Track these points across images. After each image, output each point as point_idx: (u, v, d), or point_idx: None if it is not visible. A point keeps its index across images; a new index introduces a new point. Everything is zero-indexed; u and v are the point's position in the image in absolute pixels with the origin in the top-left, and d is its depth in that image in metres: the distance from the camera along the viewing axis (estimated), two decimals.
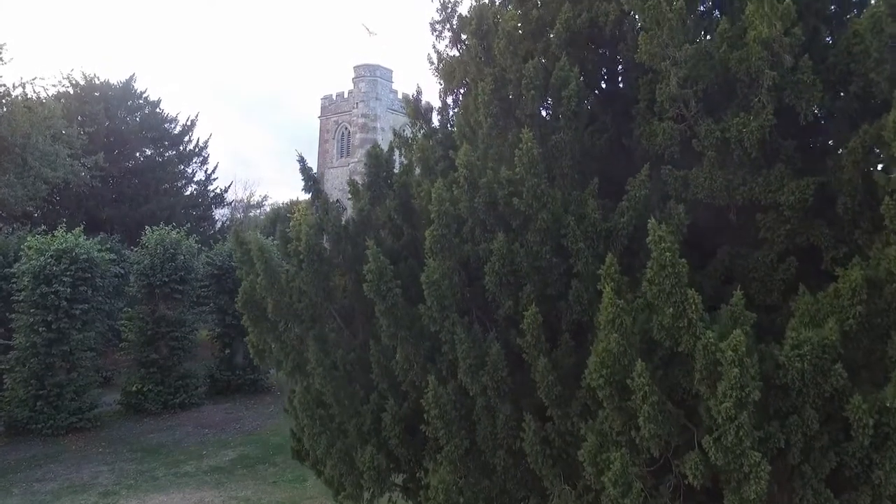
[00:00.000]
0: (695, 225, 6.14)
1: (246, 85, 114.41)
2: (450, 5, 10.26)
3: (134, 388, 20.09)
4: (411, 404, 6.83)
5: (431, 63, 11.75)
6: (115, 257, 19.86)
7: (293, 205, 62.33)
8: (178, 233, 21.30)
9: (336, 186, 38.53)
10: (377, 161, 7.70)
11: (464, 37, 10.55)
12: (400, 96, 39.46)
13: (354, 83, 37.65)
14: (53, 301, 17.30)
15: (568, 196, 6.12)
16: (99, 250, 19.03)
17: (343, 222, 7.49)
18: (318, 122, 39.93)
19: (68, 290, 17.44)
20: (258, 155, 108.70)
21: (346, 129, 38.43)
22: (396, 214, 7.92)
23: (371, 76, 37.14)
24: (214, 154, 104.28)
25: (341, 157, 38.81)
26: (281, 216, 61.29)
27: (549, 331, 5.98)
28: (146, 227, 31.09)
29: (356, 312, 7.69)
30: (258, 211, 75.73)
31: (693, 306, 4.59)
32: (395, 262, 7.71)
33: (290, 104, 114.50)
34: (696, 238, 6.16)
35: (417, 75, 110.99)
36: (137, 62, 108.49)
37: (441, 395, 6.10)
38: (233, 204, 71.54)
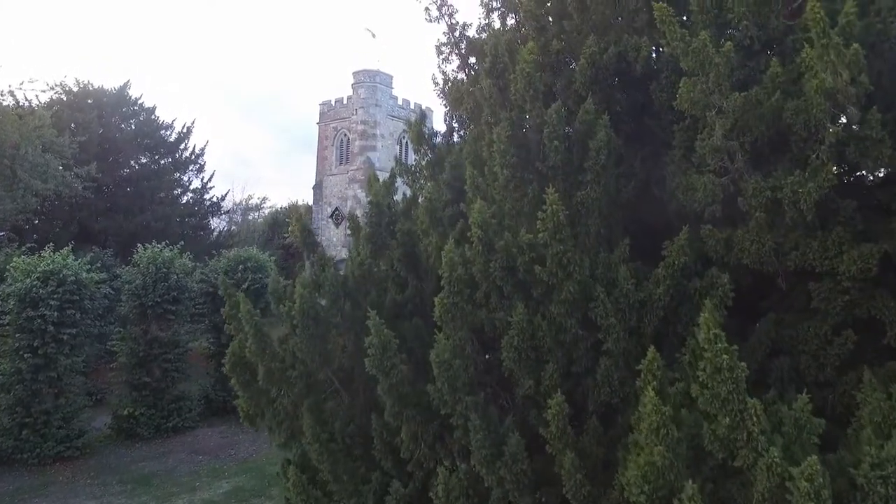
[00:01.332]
0: (736, 287, 5.45)
1: (246, 85, 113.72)
2: (457, 28, 9.58)
3: (125, 412, 19.36)
4: (418, 485, 6.13)
5: (436, 84, 11.07)
6: (106, 277, 19.07)
7: (292, 208, 61.72)
8: (171, 250, 20.56)
9: (335, 194, 37.82)
10: (378, 210, 6.97)
11: (472, 60, 9.87)
12: (400, 102, 38.78)
13: (354, 89, 36.90)
14: (40, 325, 16.56)
15: (595, 259, 5.41)
16: (88, 270, 18.29)
17: (341, 273, 6.76)
18: (317, 124, 39.24)
19: (55, 313, 16.70)
20: (258, 155, 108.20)
21: (346, 135, 37.70)
22: (400, 265, 7.22)
23: (371, 82, 36.38)
24: (213, 155, 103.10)
25: (340, 164, 38.06)
26: (279, 220, 60.72)
27: (573, 408, 5.28)
28: (140, 241, 30.66)
29: (356, 374, 6.97)
30: (257, 214, 75.12)
31: (754, 418, 3.89)
32: (398, 318, 7.01)
33: (291, 104, 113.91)
34: (736, 302, 5.47)
35: (417, 78, 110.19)
36: (136, 63, 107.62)
37: (452, 486, 5.39)
38: (230, 212, 70.97)
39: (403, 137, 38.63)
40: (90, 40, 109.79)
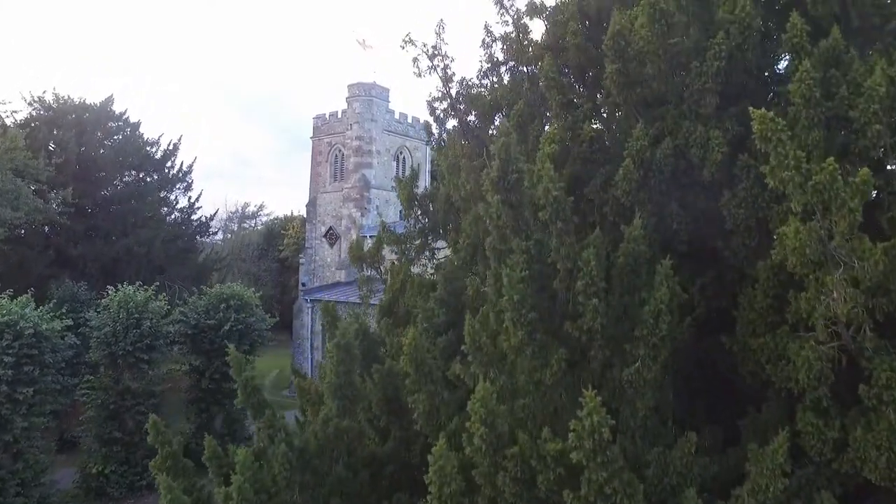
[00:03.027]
0: None
1: (246, 85, 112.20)
2: (453, 81, 7.85)
3: (94, 471, 17.71)
4: None
5: (430, 136, 9.40)
6: (71, 323, 17.35)
7: (287, 221, 59.99)
8: (144, 291, 18.86)
9: (329, 212, 36.08)
10: (349, 354, 5.24)
11: (471, 118, 8.16)
12: (397, 116, 36.96)
13: (348, 103, 35.09)
14: None
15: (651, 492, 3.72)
16: (52, 317, 16.58)
17: (297, 442, 5.04)
18: (310, 139, 37.50)
19: (10, 371, 15.02)
20: (258, 155, 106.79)
21: (340, 150, 35.90)
22: (381, 410, 5.53)
23: (366, 96, 34.57)
24: (213, 155, 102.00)
25: (335, 180, 36.24)
26: (275, 232, 59.01)
27: None
28: (122, 266, 29.00)
29: None
30: (253, 222, 73.42)
31: None
32: (377, 477, 5.33)
33: (291, 104, 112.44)
34: None
35: (418, 84, 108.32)
36: (126, 70, 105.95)
37: None
38: (220, 231, 69.08)
39: (401, 153, 36.88)
40: (76, 49, 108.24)
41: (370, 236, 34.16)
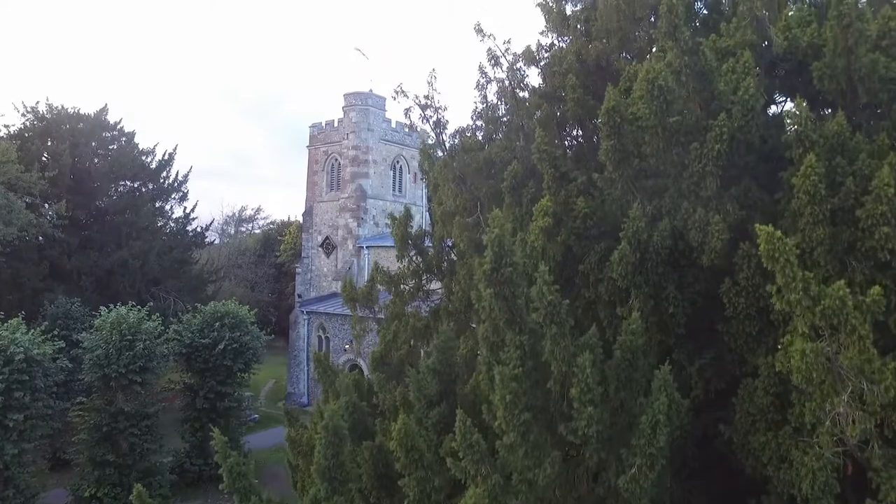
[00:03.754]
0: None
1: (246, 85, 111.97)
2: (444, 129, 7.66)
3: (87, 494, 17.52)
4: None
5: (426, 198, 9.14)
6: (63, 345, 17.15)
7: (284, 226, 59.75)
8: (137, 312, 18.64)
9: (325, 222, 35.87)
10: (337, 436, 5.03)
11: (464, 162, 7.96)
12: (394, 125, 36.75)
13: (345, 112, 34.85)
14: None
15: None
16: (43, 340, 16.38)
17: None
18: (307, 147, 37.28)
19: (0, 398, 14.83)
20: (258, 154, 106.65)
21: (337, 160, 35.66)
22: (372, 486, 5.36)
23: (362, 105, 34.35)
24: (213, 156, 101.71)
25: (331, 189, 36.00)
26: (272, 237, 58.78)
27: None
28: (117, 278, 28.78)
29: None
30: (250, 225, 73.12)
31: None
32: None
33: (290, 103, 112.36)
34: None
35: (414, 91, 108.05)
36: (133, 65, 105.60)
37: None
38: (216, 236, 68.85)
39: (398, 162, 36.68)
40: (73, 53, 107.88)
41: (366, 247, 34.04)
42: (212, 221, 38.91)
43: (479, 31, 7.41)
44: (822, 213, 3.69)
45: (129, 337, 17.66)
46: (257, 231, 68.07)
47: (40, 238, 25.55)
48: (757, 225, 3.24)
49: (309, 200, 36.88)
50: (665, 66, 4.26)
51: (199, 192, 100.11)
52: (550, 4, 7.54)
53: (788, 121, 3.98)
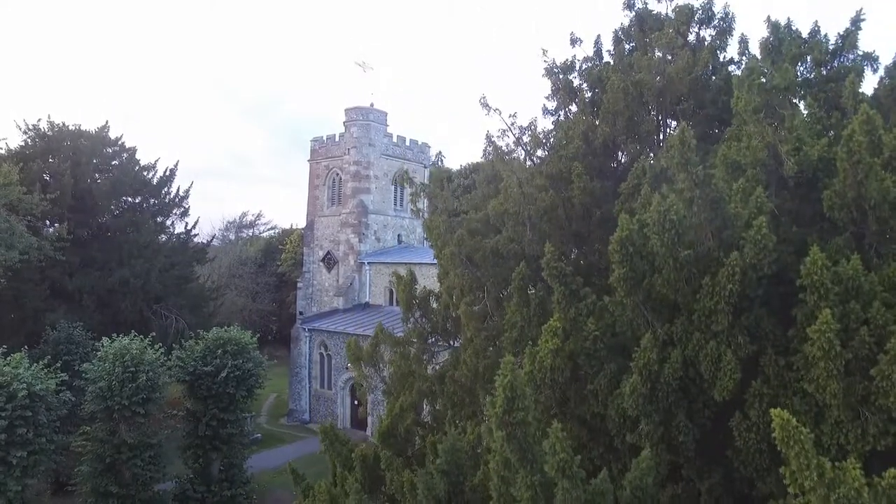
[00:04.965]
0: None
1: (246, 85, 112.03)
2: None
3: None
4: None
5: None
6: (66, 377, 17.11)
7: (285, 235, 59.74)
8: (140, 341, 18.60)
9: (327, 237, 35.87)
10: None
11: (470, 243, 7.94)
12: (395, 139, 36.71)
13: (346, 127, 34.83)
14: None
15: None
16: (46, 375, 16.33)
17: None
18: (308, 161, 37.25)
19: (3, 436, 14.80)
20: (258, 155, 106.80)
21: (338, 174, 35.64)
22: None
23: (364, 120, 34.32)
24: (213, 155, 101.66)
25: (332, 204, 35.99)
26: (273, 246, 58.77)
27: None
28: (118, 298, 28.74)
29: None
30: (250, 231, 73.11)
31: None
32: None
33: (291, 104, 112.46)
34: None
35: (420, 99, 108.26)
36: (133, 64, 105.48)
37: None
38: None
39: (399, 176, 36.67)
40: (71, 59, 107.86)
41: (368, 263, 34.04)
42: (212, 238, 38.85)
43: (485, 104, 7.39)
44: (837, 369, 3.68)
45: (132, 368, 17.61)
46: (261, 235, 68.21)
47: (42, 262, 25.48)
48: (773, 411, 3.22)
49: (310, 214, 36.87)
50: (677, 197, 4.25)
51: (200, 193, 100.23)
52: (558, 76, 7.52)
53: (803, 268, 3.96)
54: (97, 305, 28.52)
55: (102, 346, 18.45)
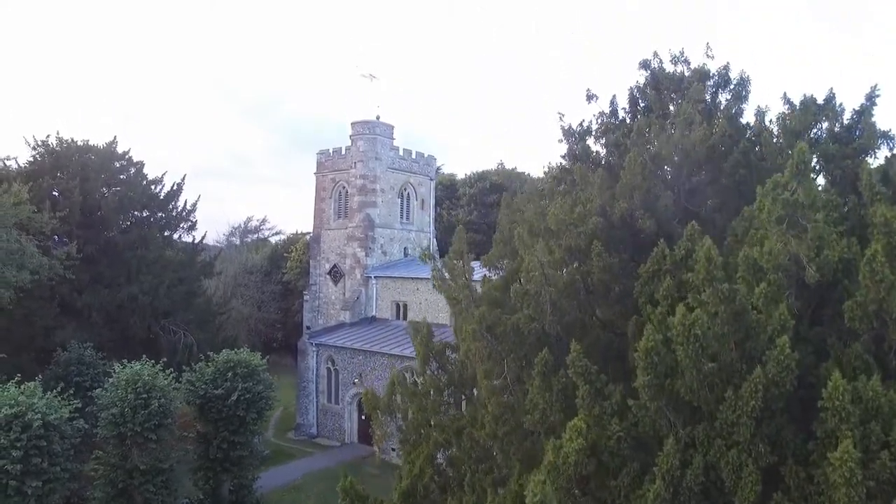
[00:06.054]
0: None
1: (246, 85, 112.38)
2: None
3: None
4: None
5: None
6: (79, 404, 17.29)
7: (291, 242, 59.89)
8: (152, 366, 18.78)
9: (333, 249, 36.02)
10: None
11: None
12: (401, 152, 36.79)
13: (353, 141, 34.92)
14: (1, 479, 14.84)
15: None
16: (60, 403, 16.50)
17: None
18: (314, 174, 37.38)
19: (18, 466, 14.99)
20: (258, 155, 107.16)
21: (344, 187, 35.74)
22: None
23: (370, 134, 34.42)
24: (213, 156, 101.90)
25: (339, 217, 36.11)
26: (278, 254, 58.93)
27: None
28: (127, 314, 28.91)
29: None
30: (255, 236, 73.32)
31: None
32: None
33: (291, 104, 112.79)
34: None
35: (420, 108, 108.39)
36: (133, 64, 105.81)
37: None
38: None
39: (405, 189, 36.77)
40: (71, 59, 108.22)
41: (375, 277, 34.17)
42: (219, 252, 39.15)
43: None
44: (858, 496, 3.79)
45: (143, 395, 17.79)
46: (267, 239, 68.47)
47: (52, 280, 25.66)
48: None
49: (316, 227, 37.02)
50: (702, 310, 4.36)
51: (200, 193, 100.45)
52: (575, 146, 7.64)
53: (824, 392, 4.07)
54: (106, 322, 28.73)
55: (115, 371, 18.63)
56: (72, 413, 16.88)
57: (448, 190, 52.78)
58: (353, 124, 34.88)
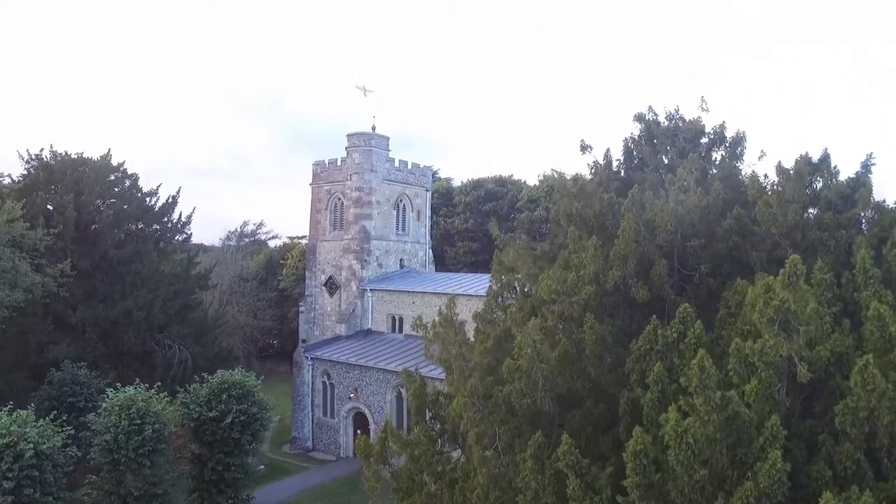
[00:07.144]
0: None
1: (246, 84, 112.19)
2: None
3: None
4: None
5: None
6: (73, 431, 17.22)
7: (287, 249, 59.75)
8: (146, 390, 18.70)
9: (329, 261, 35.95)
10: None
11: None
12: (397, 164, 36.72)
13: (348, 153, 34.83)
14: None
15: None
16: (53, 431, 16.42)
17: None
18: (310, 185, 37.29)
19: (10, 497, 14.91)
20: (258, 154, 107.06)
21: (340, 199, 35.65)
22: None
23: (366, 146, 34.34)
24: (213, 156, 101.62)
25: (335, 229, 36.02)
26: (274, 261, 58.80)
27: None
28: (122, 330, 28.79)
29: None
30: (251, 240, 73.16)
31: None
32: None
33: (291, 104, 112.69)
34: None
35: (421, 108, 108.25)
36: (133, 64, 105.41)
37: None
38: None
39: (401, 201, 36.71)
40: (71, 60, 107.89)
41: (370, 289, 34.11)
42: (215, 264, 39.09)
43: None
44: None
45: (137, 421, 17.72)
46: (264, 241, 68.29)
47: (46, 298, 25.54)
48: None
49: (312, 238, 36.95)
50: (694, 418, 4.33)
51: (200, 193, 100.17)
52: (571, 211, 7.60)
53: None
54: (100, 337, 28.59)
55: (108, 397, 18.54)
56: (65, 440, 16.81)
57: (444, 197, 52.74)
58: (348, 136, 34.82)
